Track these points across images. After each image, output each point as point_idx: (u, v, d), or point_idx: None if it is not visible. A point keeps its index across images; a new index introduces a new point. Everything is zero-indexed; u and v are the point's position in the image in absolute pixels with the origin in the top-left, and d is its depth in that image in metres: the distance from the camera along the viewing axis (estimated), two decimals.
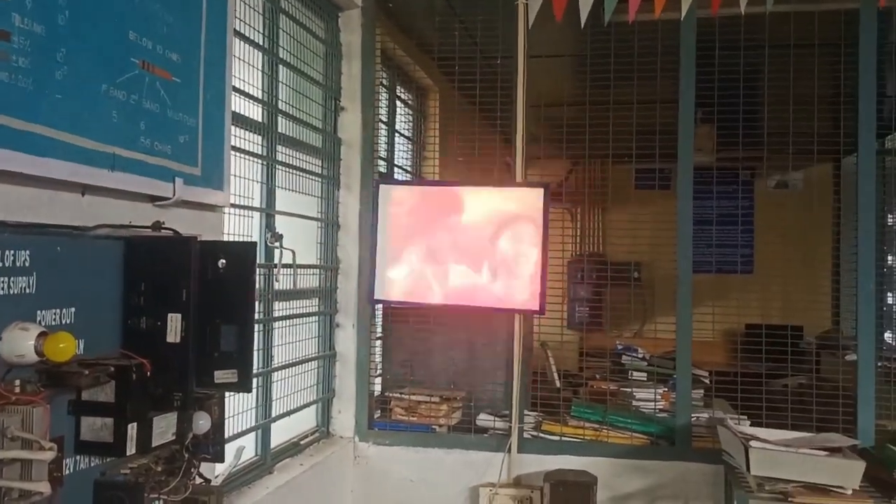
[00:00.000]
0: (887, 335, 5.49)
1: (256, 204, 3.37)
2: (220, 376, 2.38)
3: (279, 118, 3.56)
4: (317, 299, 4.05)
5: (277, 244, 3.40)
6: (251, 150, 3.28)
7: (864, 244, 3.74)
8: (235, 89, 2.91)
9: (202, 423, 2.28)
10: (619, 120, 4.13)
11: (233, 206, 2.94)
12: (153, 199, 2.30)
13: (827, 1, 3.86)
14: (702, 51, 3.91)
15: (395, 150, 5.20)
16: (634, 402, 4.44)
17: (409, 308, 4.23)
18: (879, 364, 4.42)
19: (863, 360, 3.73)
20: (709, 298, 4.43)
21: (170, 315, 2.10)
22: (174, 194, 2.32)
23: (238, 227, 3.09)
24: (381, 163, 4.83)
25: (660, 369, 4.51)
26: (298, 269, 3.69)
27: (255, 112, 3.37)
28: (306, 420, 4.04)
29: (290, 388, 3.74)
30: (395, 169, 5.16)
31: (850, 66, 3.82)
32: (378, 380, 4.43)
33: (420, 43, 4.98)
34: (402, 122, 5.46)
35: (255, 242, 2.54)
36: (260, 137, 3.40)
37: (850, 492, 3.04)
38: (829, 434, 3.49)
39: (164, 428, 2.09)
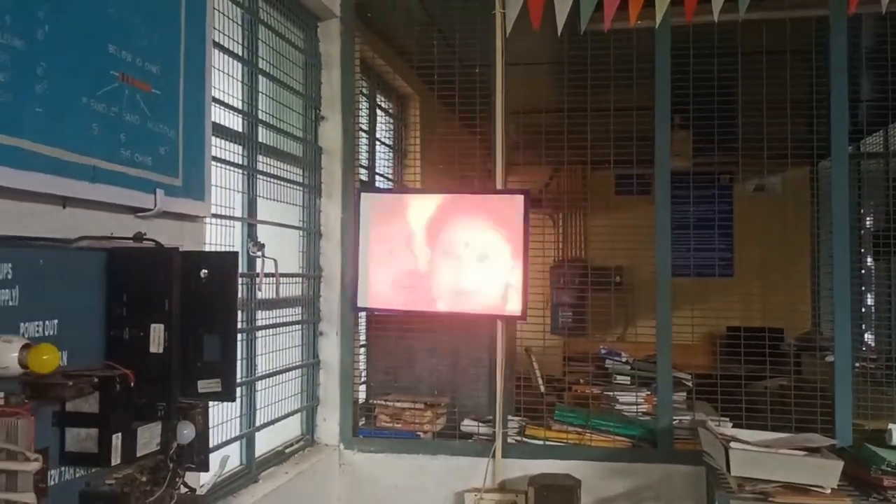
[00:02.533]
0: (867, 336, 5.58)
1: (238, 214, 3.39)
2: (204, 385, 2.39)
3: (259, 128, 3.57)
4: (300, 308, 4.06)
5: (259, 253, 3.41)
6: (232, 160, 3.29)
7: (838, 246, 3.80)
8: (215, 100, 2.93)
9: (186, 432, 2.29)
10: (598, 126, 4.19)
11: (214, 216, 2.96)
12: (135, 210, 2.31)
13: (798, 8, 3.93)
14: (677, 58, 3.97)
15: (377, 157, 5.23)
16: (617, 406, 4.48)
17: (392, 315, 4.26)
18: (858, 364, 4.48)
19: (839, 361, 3.79)
20: (689, 302, 4.48)
21: (153, 325, 2.11)
22: (155, 205, 2.33)
23: (220, 237, 3.10)
24: (363, 171, 4.86)
25: (642, 373, 4.54)
26: (281, 278, 3.71)
27: (235, 122, 3.38)
28: (291, 428, 4.05)
29: (275, 397, 3.75)
30: (377, 177, 5.20)
31: (821, 72, 3.90)
32: (363, 387, 4.45)
33: (399, 52, 5.02)
34: (383, 130, 5.49)
35: (237, 252, 2.55)
36: (241, 147, 3.41)
37: (829, 491, 3.09)
38: (809, 434, 3.54)
39: (148, 438, 2.10)
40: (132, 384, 2.02)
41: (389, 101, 5.62)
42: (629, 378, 5.18)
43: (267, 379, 3.63)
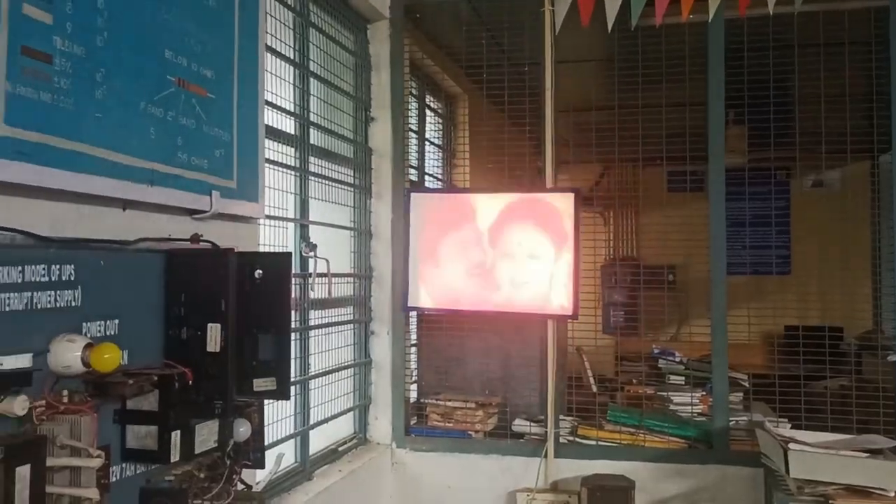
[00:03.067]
0: None
1: (290, 215, 3.43)
2: (259, 384, 2.43)
3: (311, 130, 3.61)
4: (352, 307, 4.10)
5: (312, 254, 3.45)
6: (284, 162, 3.34)
7: None
8: (268, 103, 2.97)
9: (242, 430, 2.33)
10: (649, 123, 4.14)
11: (268, 217, 3.00)
12: (191, 212, 2.36)
13: None
14: (731, 52, 3.90)
15: (426, 158, 5.25)
16: (672, 407, 4.43)
17: (443, 314, 4.27)
18: None
19: None
20: (745, 300, 4.40)
21: (209, 325, 2.15)
22: (211, 207, 2.37)
23: (273, 238, 3.14)
24: (412, 171, 4.88)
25: (696, 373, 4.47)
26: (333, 278, 3.75)
27: (287, 125, 3.43)
28: (344, 427, 4.09)
29: (328, 396, 3.79)
30: (426, 177, 5.21)
31: (882, 63, 3.79)
32: (414, 386, 4.47)
33: (448, 52, 5.02)
34: (432, 130, 5.51)
35: (291, 252, 2.58)
36: (293, 149, 3.46)
37: (892, 493, 3.00)
38: (870, 436, 3.45)
39: (205, 435, 2.14)
40: (190, 383, 2.06)
41: (438, 101, 5.63)
42: (683, 378, 5.15)
43: (320, 378, 3.67)
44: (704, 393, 4.20)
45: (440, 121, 5.62)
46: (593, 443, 3.99)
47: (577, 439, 4.03)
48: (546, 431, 3.99)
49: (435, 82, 5.41)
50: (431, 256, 4.14)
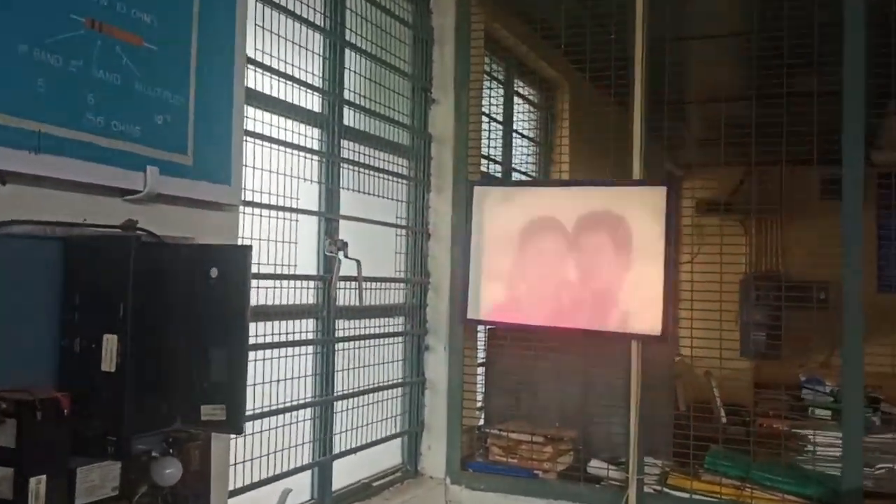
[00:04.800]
0: None
1: (315, 207, 2.93)
2: (207, 412, 1.92)
3: (346, 110, 3.10)
4: (403, 318, 3.55)
5: (338, 253, 2.93)
6: (307, 145, 2.84)
7: None
8: (254, 62, 2.46)
9: (169, 472, 1.82)
10: (796, 117, 3.30)
11: (261, 206, 2.50)
12: (123, 192, 1.87)
13: None
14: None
15: (514, 151, 4.62)
16: (809, 448, 3.68)
17: (510, 329, 3.63)
18: None
19: None
20: None
21: (105, 336, 1.64)
22: (145, 186, 1.88)
23: (281, 233, 2.64)
24: (494, 165, 4.28)
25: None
26: (373, 283, 3.21)
27: (312, 102, 2.93)
28: (391, 456, 3.54)
29: (366, 419, 3.25)
30: (514, 174, 4.58)
31: None
32: (482, 414, 3.86)
33: (546, 31, 4.35)
34: (523, 120, 4.88)
35: (250, 246, 2.05)
36: (318, 131, 2.95)
37: None
38: None
39: (96, 481, 1.64)
40: (66, 411, 1.56)
41: (532, 87, 4.99)
42: (830, 413, 4.36)
43: (352, 398, 3.13)
44: None
45: (533, 110, 4.97)
46: (686, 496, 3.23)
47: (667, 489, 3.28)
48: (627, 477, 3.27)
49: (527, 66, 4.78)
50: (498, 261, 3.52)
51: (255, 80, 2.55)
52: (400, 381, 3.51)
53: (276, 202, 2.63)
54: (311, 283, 2.89)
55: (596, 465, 3.41)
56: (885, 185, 4.00)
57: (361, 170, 3.20)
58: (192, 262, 1.95)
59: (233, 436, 2.19)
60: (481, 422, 3.82)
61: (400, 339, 3.52)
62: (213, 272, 1.95)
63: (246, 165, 2.38)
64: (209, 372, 1.93)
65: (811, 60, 3.21)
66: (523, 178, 4.67)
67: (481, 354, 3.89)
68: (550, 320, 3.42)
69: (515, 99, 4.73)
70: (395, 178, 3.44)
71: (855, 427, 3.07)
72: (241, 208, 2.38)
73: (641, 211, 3.26)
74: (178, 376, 1.91)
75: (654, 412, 3.47)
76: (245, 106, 2.43)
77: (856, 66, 3.09)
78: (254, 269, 2.44)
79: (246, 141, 2.46)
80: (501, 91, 4.53)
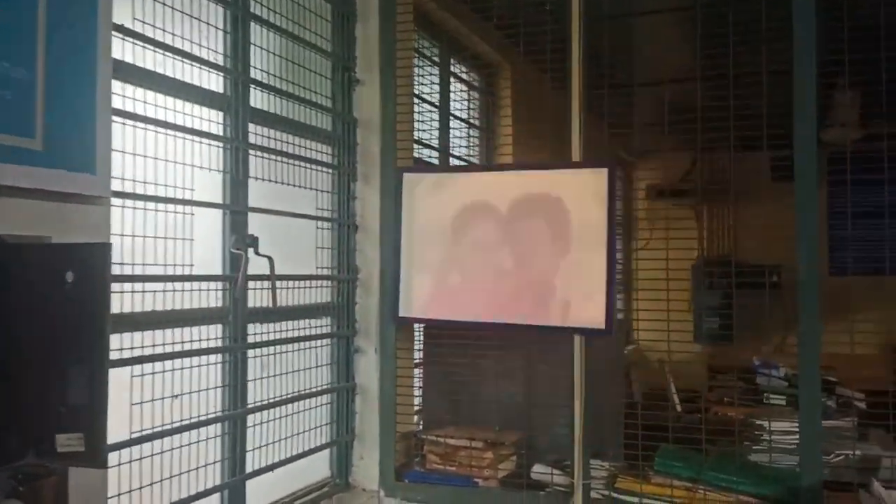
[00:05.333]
0: None
1: (219, 199, 2.63)
2: (64, 442, 1.63)
3: (255, 92, 2.80)
4: (328, 318, 3.27)
5: (246, 250, 2.63)
6: (207, 130, 2.54)
7: None
8: (121, 29, 2.15)
9: None
10: (746, 98, 3.08)
11: (143, 197, 2.20)
12: None
13: None
14: None
15: (450, 136, 4.36)
16: (764, 438, 3.54)
17: (445, 327, 3.37)
18: None
19: None
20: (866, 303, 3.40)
21: None
22: None
23: (176, 229, 2.34)
24: (430, 153, 4.02)
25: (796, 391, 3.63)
26: (286, 282, 2.92)
27: (213, 82, 2.63)
28: (318, 469, 3.26)
29: (290, 431, 2.97)
30: (452, 161, 4.32)
31: None
32: (419, 418, 3.59)
33: (475, 3, 4.08)
34: (461, 103, 4.62)
35: (109, 244, 1.76)
36: (221, 114, 2.65)
37: None
38: None
39: None
40: None
41: (471, 69, 4.74)
42: (785, 399, 4.29)
43: (272, 409, 2.85)
44: None
45: (469, 90, 4.72)
46: (636, 500, 3.00)
47: (615, 494, 3.05)
48: (572, 482, 3.04)
49: (465, 47, 4.51)
50: (430, 253, 3.25)
51: (147, 57, 2.25)
52: (328, 387, 3.23)
53: (167, 194, 2.33)
54: (218, 285, 2.60)
55: (539, 471, 3.17)
56: (836, 165, 3.83)
57: (277, 157, 2.91)
58: (43, 265, 1.66)
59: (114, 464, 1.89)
60: (420, 428, 3.56)
61: (326, 341, 3.24)
62: (69, 276, 1.65)
63: (125, 152, 2.08)
64: (66, 394, 1.64)
65: (758, 37, 3.00)
66: (459, 164, 4.41)
67: (420, 355, 3.63)
68: (487, 315, 3.16)
69: (453, 81, 4.48)
70: (316, 167, 3.15)
71: (810, 419, 2.87)
72: (122, 202, 2.08)
73: (582, 195, 3.02)
74: (30, 400, 1.62)
75: (604, 408, 3.25)
76: (125, 85, 2.15)
77: (806, 41, 2.88)
78: (140, 271, 2.16)
79: (127, 125, 2.18)
80: (437, 72, 4.27)
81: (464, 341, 3.30)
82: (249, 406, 2.72)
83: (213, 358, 2.59)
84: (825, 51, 3.06)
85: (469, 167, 3.63)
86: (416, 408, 3.54)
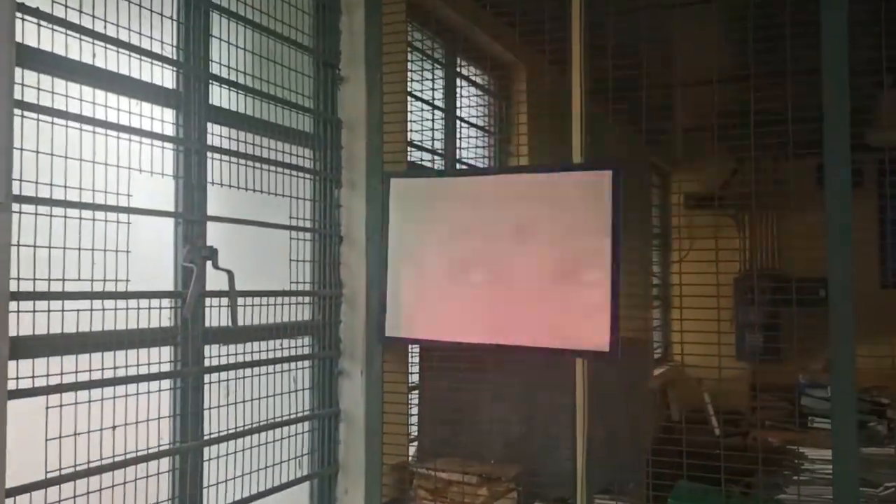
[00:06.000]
0: None
1: (174, 207, 2.37)
2: None
3: (219, 89, 2.54)
4: (309, 337, 2.98)
5: (203, 263, 2.36)
6: (158, 131, 2.28)
7: None
8: (33, 11, 1.89)
9: None
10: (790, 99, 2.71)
11: (54, 203, 1.94)
12: None
13: None
14: None
15: (458, 141, 4.06)
16: (805, 466, 3.29)
17: (437, 348, 3.06)
18: None
19: None
20: None
21: None
22: None
23: (110, 240, 2.08)
24: (435, 158, 3.72)
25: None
26: (269, 299, 2.65)
27: (164, 77, 2.37)
28: None
29: (263, 462, 2.69)
30: (461, 166, 4.02)
31: None
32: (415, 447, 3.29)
33: (496, 8, 3.76)
34: (472, 106, 4.32)
35: None
36: (173, 112, 2.39)
37: None
38: None
39: None
40: None
41: (482, 70, 4.43)
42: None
43: (237, 440, 2.57)
44: None
45: (480, 93, 4.41)
46: None
47: None
48: None
49: (476, 46, 4.22)
50: (422, 267, 2.95)
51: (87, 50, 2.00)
52: (308, 413, 2.94)
53: (103, 200, 2.07)
54: (167, 303, 2.33)
55: None
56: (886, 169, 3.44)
57: (248, 162, 2.64)
58: None
59: None
60: (414, 458, 3.25)
61: (307, 363, 2.95)
62: None
63: (54, 155, 1.82)
64: None
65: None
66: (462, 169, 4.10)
67: (415, 378, 3.33)
68: (482, 336, 2.84)
69: (460, 82, 4.19)
70: (295, 172, 2.87)
71: (847, 442, 2.49)
72: (35, 208, 1.83)
73: (583, 201, 2.69)
74: None
75: (625, 435, 2.92)
76: (54, 80, 1.90)
77: (836, 34, 2.51)
78: (58, 287, 1.90)
79: (56, 124, 1.93)
80: (442, 72, 3.98)
81: (460, 365, 2.99)
82: (207, 437, 2.44)
83: (164, 383, 2.32)
84: (864, 46, 2.69)
85: (461, 171, 3.32)
86: (411, 436, 3.23)
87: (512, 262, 2.80)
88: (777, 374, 5.90)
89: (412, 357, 3.29)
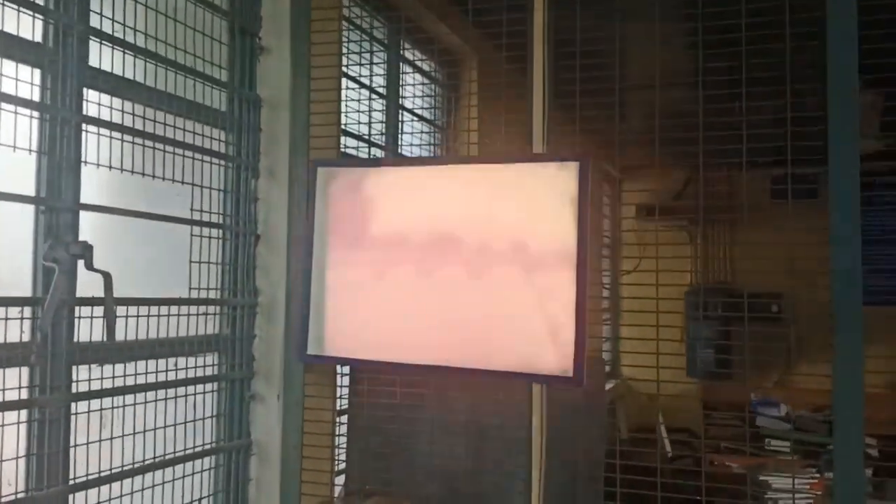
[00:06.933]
0: None
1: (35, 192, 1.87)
2: None
3: (101, 48, 2.05)
4: (215, 355, 2.49)
5: (73, 262, 1.87)
6: (15, 94, 1.78)
7: None
8: None
9: None
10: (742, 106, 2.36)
11: None
12: None
13: None
14: None
15: (400, 130, 3.62)
16: (769, 496, 3.14)
17: (368, 370, 2.60)
18: None
19: None
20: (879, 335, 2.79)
21: None
22: None
23: None
24: (372, 147, 3.26)
25: (807, 436, 3.30)
26: (127, 307, 2.14)
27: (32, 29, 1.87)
28: None
29: None
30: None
31: None
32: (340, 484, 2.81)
33: None
34: (416, 95, 3.88)
35: None
36: (39, 72, 1.89)
37: None
38: None
39: None
40: None
41: (430, 57, 4.00)
42: (789, 445, 4.05)
43: (112, 483, 2.06)
44: (817, 473, 3.20)
45: (427, 81, 3.98)
46: None
47: None
48: None
49: (422, 30, 3.78)
50: (353, 272, 2.49)
51: None
52: (211, 446, 2.45)
53: None
54: (17, 312, 1.83)
55: None
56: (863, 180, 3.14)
57: (139, 140, 2.15)
58: None
59: None
60: (341, 496, 2.77)
61: (211, 386, 2.46)
62: None
63: None
64: None
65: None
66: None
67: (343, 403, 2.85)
68: (424, 355, 2.39)
69: (404, 67, 3.75)
70: (200, 156, 2.39)
71: (851, 471, 2.10)
72: None
73: (545, 196, 2.27)
74: None
75: (579, 462, 2.51)
76: None
77: (838, 40, 2.14)
78: None
79: None
80: (384, 55, 3.54)
81: (397, 389, 2.53)
82: (73, 482, 1.93)
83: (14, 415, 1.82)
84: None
85: (400, 160, 2.88)
86: (337, 471, 2.75)
87: (460, 269, 2.36)
88: (729, 391, 5.66)
89: (340, 379, 2.81)
